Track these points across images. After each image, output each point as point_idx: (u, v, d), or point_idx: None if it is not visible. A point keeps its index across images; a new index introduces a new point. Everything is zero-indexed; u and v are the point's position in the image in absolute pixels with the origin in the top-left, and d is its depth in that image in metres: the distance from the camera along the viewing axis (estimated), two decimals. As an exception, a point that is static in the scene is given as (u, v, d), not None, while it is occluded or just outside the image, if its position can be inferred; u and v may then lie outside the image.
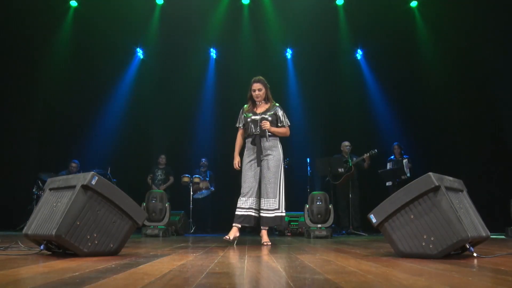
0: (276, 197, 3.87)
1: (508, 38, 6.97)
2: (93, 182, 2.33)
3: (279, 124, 4.06)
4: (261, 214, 3.87)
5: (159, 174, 7.57)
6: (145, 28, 8.11)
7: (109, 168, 6.99)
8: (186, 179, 7.17)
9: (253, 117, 4.03)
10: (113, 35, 7.82)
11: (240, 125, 4.15)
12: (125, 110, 8.19)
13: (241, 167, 4.05)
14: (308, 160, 7.01)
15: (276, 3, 7.96)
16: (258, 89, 4.03)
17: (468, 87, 7.54)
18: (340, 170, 6.64)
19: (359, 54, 8.66)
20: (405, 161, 6.92)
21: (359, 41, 8.48)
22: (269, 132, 3.95)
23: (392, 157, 7.21)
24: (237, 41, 8.28)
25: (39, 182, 6.53)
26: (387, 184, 6.93)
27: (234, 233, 3.79)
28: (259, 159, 3.92)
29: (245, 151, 4.07)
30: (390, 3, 7.81)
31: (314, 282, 1.48)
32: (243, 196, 3.89)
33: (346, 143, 6.97)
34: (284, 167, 7.02)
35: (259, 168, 3.94)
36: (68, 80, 7.82)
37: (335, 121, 8.14)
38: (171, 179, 7.58)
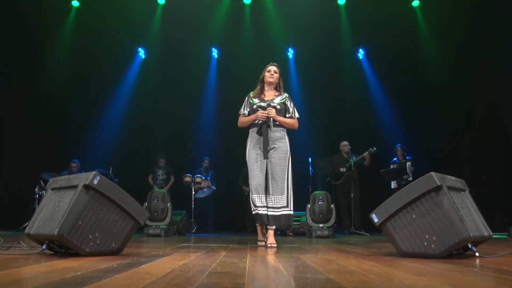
0: (284, 194, 3.56)
1: (511, 37, 6.94)
2: (95, 181, 2.33)
3: (287, 115, 3.74)
4: (268, 213, 3.54)
5: (160, 174, 7.57)
6: (147, 27, 8.10)
7: (111, 168, 7.00)
8: (188, 178, 7.15)
9: (260, 104, 3.71)
10: (115, 35, 7.82)
11: (245, 112, 3.78)
12: (127, 109, 8.19)
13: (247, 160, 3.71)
14: (309, 159, 6.98)
15: (277, 3, 7.94)
16: (274, 70, 3.78)
17: (470, 86, 7.51)
18: (342, 169, 6.61)
19: (360, 53, 8.63)
20: (408, 163, 6.82)
21: (361, 41, 8.46)
22: (274, 121, 3.62)
23: (395, 159, 7.15)
24: (238, 40, 8.27)
25: (41, 181, 6.54)
26: (392, 186, 6.83)
27: (263, 233, 3.75)
28: (266, 151, 3.56)
29: (249, 142, 3.73)
30: (392, 3, 7.78)
31: (316, 281, 1.48)
32: (256, 194, 3.57)
33: (346, 142, 6.94)
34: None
35: (266, 161, 3.59)
36: (70, 79, 7.81)
37: (337, 121, 8.12)
38: (172, 178, 7.59)
